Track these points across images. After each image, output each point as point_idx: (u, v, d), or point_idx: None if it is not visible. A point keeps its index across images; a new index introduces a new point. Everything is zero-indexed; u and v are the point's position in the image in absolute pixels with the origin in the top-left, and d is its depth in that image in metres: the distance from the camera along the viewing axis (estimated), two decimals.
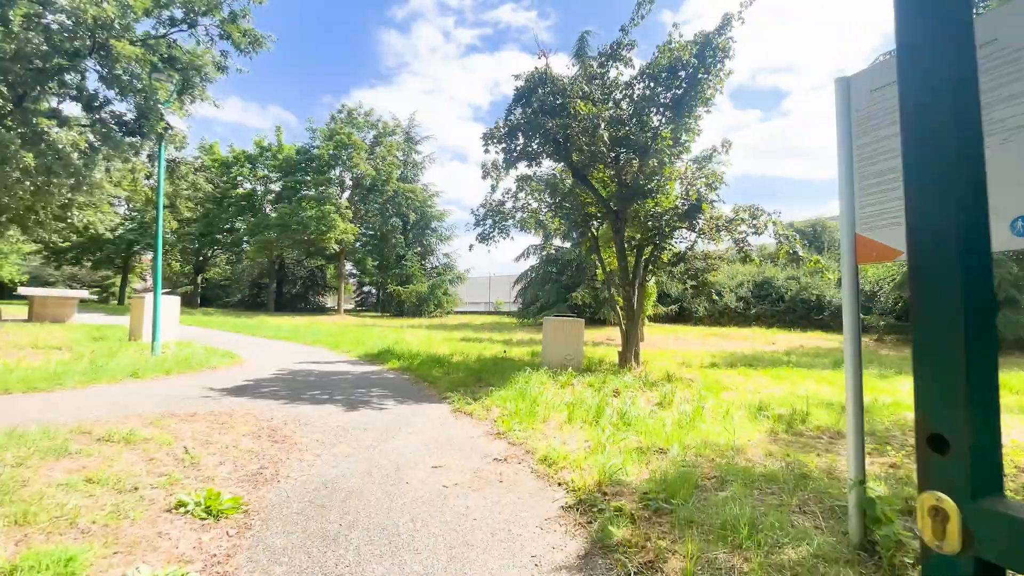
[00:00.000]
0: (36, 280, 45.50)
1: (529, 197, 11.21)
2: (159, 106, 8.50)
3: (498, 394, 6.01)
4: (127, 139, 9.23)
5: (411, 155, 34.78)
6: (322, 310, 35.35)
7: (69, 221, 10.99)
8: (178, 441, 3.71)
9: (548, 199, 10.67)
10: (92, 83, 9.08)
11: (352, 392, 6.34)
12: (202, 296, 37.82)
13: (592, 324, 22.62)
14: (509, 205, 11.16)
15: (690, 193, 9.14)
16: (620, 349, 9.41)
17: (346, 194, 31.25)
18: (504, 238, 11.93)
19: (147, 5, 8.58)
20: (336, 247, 28.27)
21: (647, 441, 4.20)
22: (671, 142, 8.13)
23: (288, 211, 27.16)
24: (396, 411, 5.37)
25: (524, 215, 11.20)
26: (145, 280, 42.15)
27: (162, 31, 9.35)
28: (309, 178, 28.90)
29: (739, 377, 8.88)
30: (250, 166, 32.66)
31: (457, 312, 33.56)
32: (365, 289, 39.17)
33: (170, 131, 8.68)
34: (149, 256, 34.34)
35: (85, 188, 9.16)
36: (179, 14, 9.42)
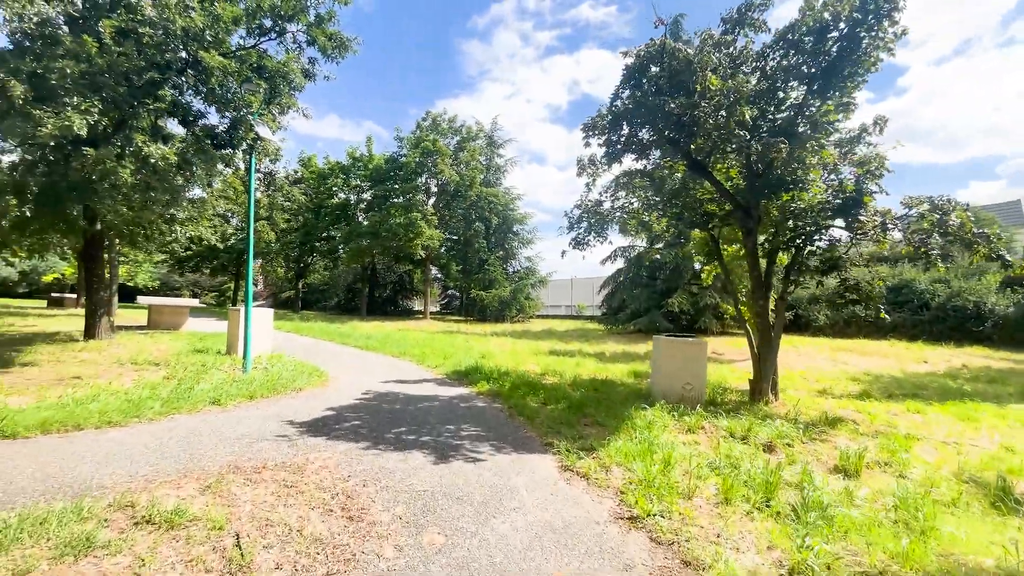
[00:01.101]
0: (164, 285, 51.57)
1: (631, 195, 9.86)
2: (249, 117, 8.39)
3: (615, 444, 4.80)
4: (219, 151, 9.32)
5: (493, 159, 34.42)
6: (409, 313, 36.12)
7: (174, 236, 11.56)
8: (232, 521, 2.95)
9: (655, 197, 9.23)
10: (186, 96, 9.24)
11: (441, 430, 5.45)
12: (303, 300, 40.34)
13: (690, 334, 20.49)
14: (607, 205, 9.90)
15: (844, 183, 7.26)
16: (751, 377, 7.74)
17: (431, 200, 31.54)
18: (601, 242, 10.67)
19: (236, 14, 8.50)
20: (422, 253, 28.51)
21: (872, 559, 2.78)
22: (835, 116, 6.42)
23: (378, 219, 27.83)
24: (494, 465, 4.36)
25: (624, 216, 9.85)
26: (256, 284, 46.00)
27: (251, 41, 9.36)
28: (397, 186, 29.47)
29: (913, 416, 6.91)
30: (343, 177, 34.13)
31: (539, 316, 32.60)
32: (449, 293, 39.55)
33: (260, 142, 8.55)
34: (257, 263, 37.26)
35: (186, 203, 9.45)
36: (268, 23, 9.37)
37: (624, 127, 7.78)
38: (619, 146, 7.73)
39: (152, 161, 7.65)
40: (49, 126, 6.62)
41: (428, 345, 14.18)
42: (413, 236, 26.53)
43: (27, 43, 7.06)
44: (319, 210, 34.11)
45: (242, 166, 10.58)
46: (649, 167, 8.84)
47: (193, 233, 12.08)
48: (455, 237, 32.65)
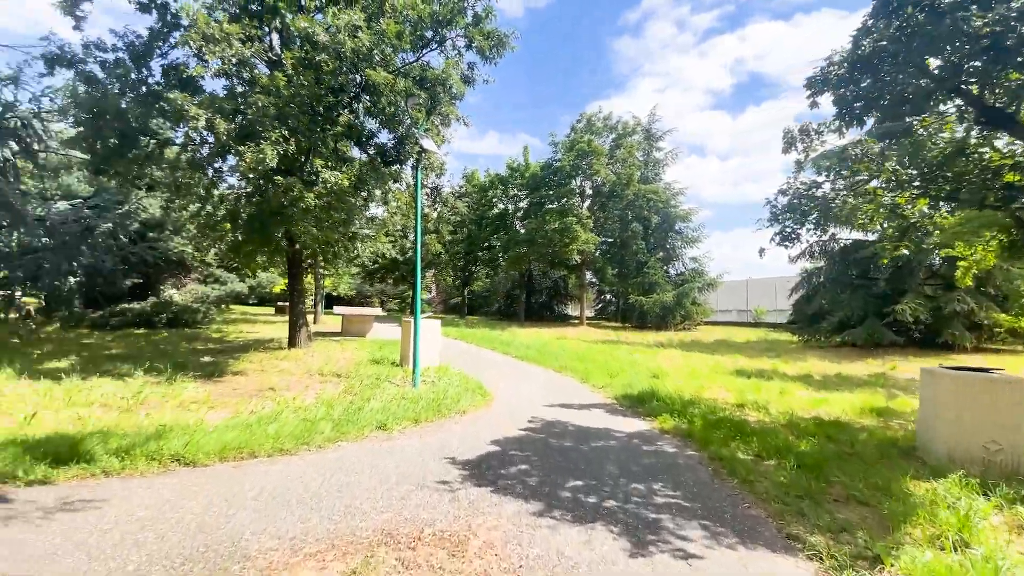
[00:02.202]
0: (360, 294, 59.91)
1: (861, 171, 7.44)
2: (415, 131, 8.42)
3: (913, 553, 3.03)
4: (388, 168, 9.66)
5: (651, 153, 32.00)
6: (565, 319, 35.59)
7: (356, 252, 12.58)
8: None
9: (911, 170, 6.69)
10: (361, 119, 9.73)
11: (628, 491, 4.25)
12: (468, 305, 42.88)
13: (928, 349, 15.74)
14: (827, 187, 7.64)
15: None
16: None
17: (586, 203, 30.56)
18: (819, 234, 8.37)
19: (399, 30, 8.59)
20: (577, 257, 27.63)
21: None
22: None
23: (534, 226, 27.83)
24: (718, 571, 3.02)
25: (856, 200, 7.43)
26: (430, 291, 50.56)
27: (412, 57, 9.53)
28: (552, 192, 29.18)
29: None
30: (502, 187, 35.23)
31: (707, 323, 29.09)
32: (605, 298, 38.04)
33: (425, 155, 8.54)
34: (430, 272, 40.73)
35: (363, 222, 10.09)
36: (429, 33, 9.44)
37: (866, 78, 5.66)
38: (860, 102, 5.63)
39: (330, 185, 8.11)
40: (248, 158, 7.33)
41: (589, 359, 13.07)
42: (568, 241, 25.83)
43: (229, 82, 8.07)
44: (480, 221, 35.73)
45: (410, 181, 10.92)
46: (902, 127, 6.40)
47: (372, 249, 13.01)
48: (611, 239, 31.09)
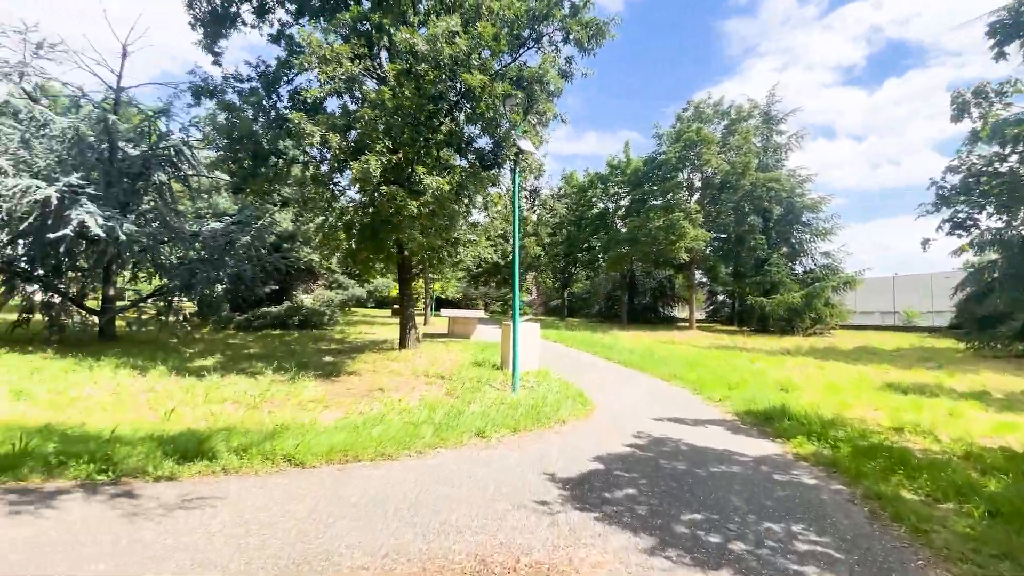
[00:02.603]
0: (466, 297, 62.40)
1: None
2: (512, 133, 8.32)
3: None
4: (485, 172, 9.68)
5: (771, 138, 28.91)
6: (671, 322, 33.53)
7: (458, 257, 12.89)
8: None
9: None
10: (461, 125, 9.88)
11: (759, 532, 3.59)
12: (568, 307, 42.46)
13: None
14: (1015, 160, 6.10)
15: None
16: None
17: (695, 197, 28.48)
18: (1007, 220, 6.76)
19: (496, 32, 8.53)
20: (685, 256, 25.78)
21: None
22: None
23: (636, 224, 26.54)
24: None
25: None
26: (530, 293, 51.03)
27: (510, 58, 9.44)
28: (655, 187, 27.64)
29: None
30: (602, 186, 34.28)
31: (845, 327, 25.44)
32: (718, 299, 35.17)
33: (523, 156, 8.38)
34: (531, 275, 41.02)
35: (464, 228, 10.26)
36: (525, 32, 9.29)
37: None
38: None
39: (431, 191, 8.30)
40: (355, 169, 7.76)
41: (702, 365, 11.96)
42: (675, 238, 24.15)
43: (342, 100, 8.65)
44: (580, 222, 35.12)
45: (509, 185, 10.91)
46: None
47: (474, 254, 13.26)
48: (724, 235, 28.61)
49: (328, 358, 11.39)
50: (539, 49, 9.60)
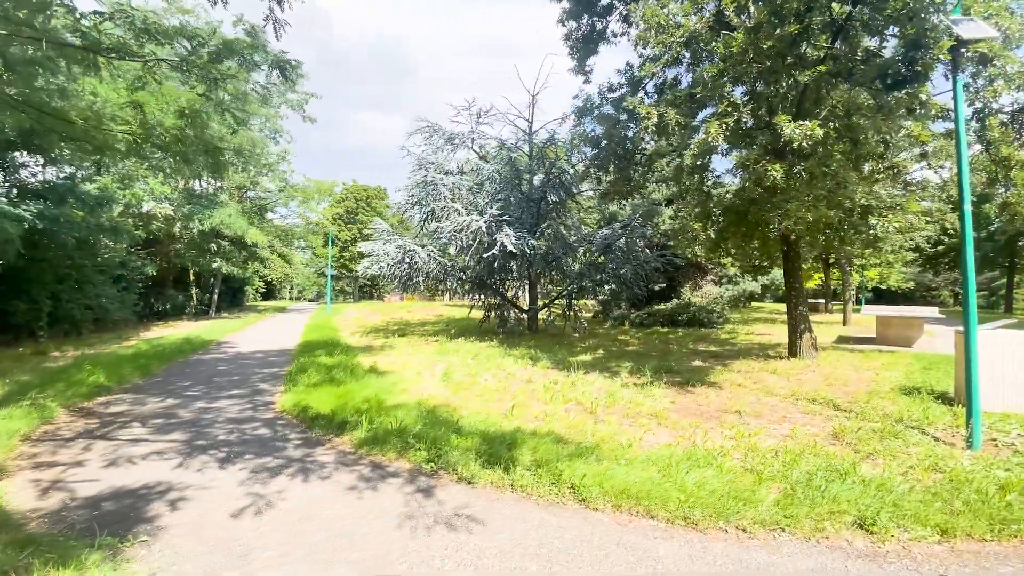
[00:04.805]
0: (919, 286, 45.85)
1: None
2: (939, 17, 4.84)
3: None
4: (893, 94, 5.97)
5: None
6: None
7: (870, 230, 8.87)
8: None
9: None
10: (837, 37, 6.59)
11: None
12: None
13: None
14: None
15: None
16: None
17: None
18: None
19: None
20: None
21: None
22: None
23: None
24: None
25: None
26: None
27: None
28: None
29: None
30: None
31: None
32: None
33: (966, 48, 4.74)
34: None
35: (869, 187, 6.82)
36: None
37: None
38: None
39: (796, 143, 5.85)
40: (694, 144, 6.39)
41: None
42: None
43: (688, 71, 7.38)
44: None
45: (944, 105, 6.56)
46: None
47: (898, 224, 8.98)
48: None
49: (697, 362, 10.25)
50: None
